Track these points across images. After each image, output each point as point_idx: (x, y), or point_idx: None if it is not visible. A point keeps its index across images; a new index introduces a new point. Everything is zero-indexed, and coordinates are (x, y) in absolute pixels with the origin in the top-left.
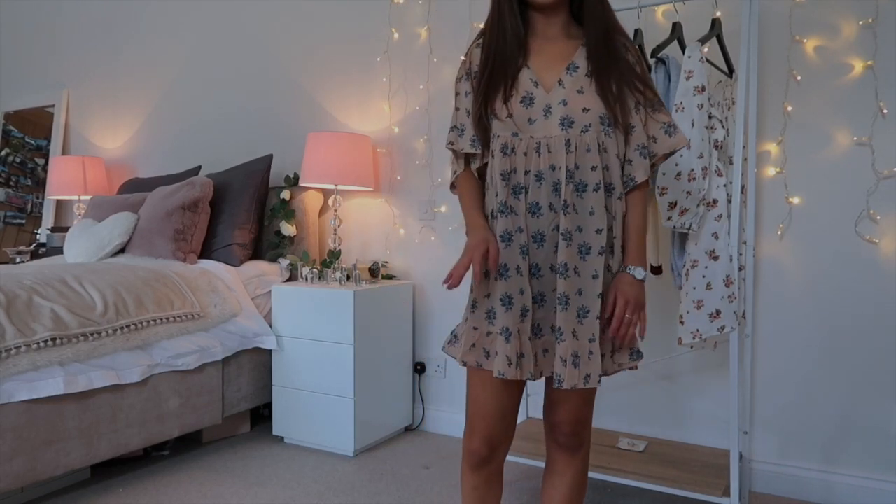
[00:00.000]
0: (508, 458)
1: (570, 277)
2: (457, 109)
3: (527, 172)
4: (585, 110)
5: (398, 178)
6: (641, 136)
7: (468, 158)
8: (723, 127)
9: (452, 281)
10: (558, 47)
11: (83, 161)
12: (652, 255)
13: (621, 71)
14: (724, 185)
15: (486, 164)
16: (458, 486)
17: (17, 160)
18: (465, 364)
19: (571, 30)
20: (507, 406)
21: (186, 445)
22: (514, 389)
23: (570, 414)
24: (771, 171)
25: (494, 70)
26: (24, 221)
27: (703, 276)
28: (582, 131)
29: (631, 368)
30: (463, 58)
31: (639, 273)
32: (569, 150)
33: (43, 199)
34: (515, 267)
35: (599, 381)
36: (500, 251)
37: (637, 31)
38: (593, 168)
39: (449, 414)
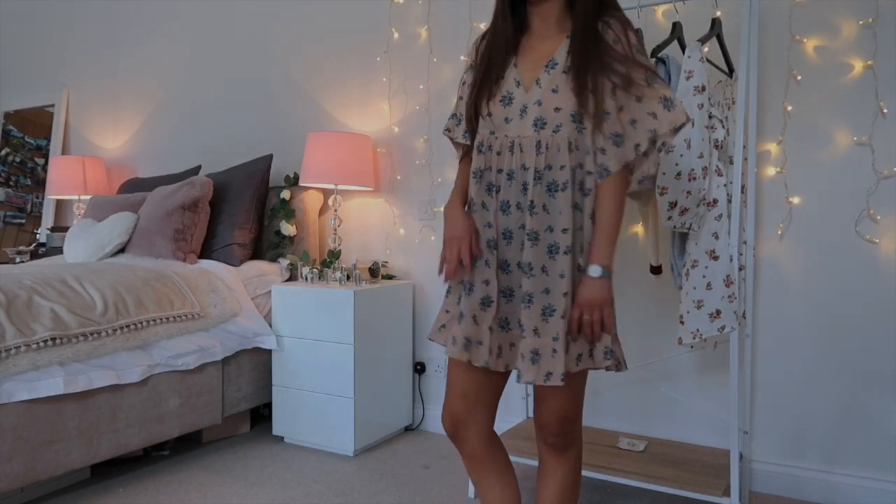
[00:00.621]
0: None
1: (535, 276)
2: (460, 98)
3: (500, 171)
4: (557, 110)
5: (398, 177)
6: (615, 124)
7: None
8: (723, 127)
9: (448, 276)
10: (547, 44)
11: (83, 161)
12: (652, 255)
13: (597, 56)
14: (725, 185)
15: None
16: (457, 485)
17: (17, 160)
18: (431, 339)
19: (565, 24)
20: (468, 387)
21: (186, 445)
22: (479, 374)
23: (554, 412)
24: (771, 170)
25: (487, 69)
26: (23, 221)
27: (704, 276)
28: (553, 131)
29: (607, 369)
30: (469, 52)
31: (594, 271)
32: (539, 152)
33: (43, 198)
34: (485, 260)
35: (563, 380)
36: (472, 246)
37: (637, 31)
38: (562, 168)
39: None
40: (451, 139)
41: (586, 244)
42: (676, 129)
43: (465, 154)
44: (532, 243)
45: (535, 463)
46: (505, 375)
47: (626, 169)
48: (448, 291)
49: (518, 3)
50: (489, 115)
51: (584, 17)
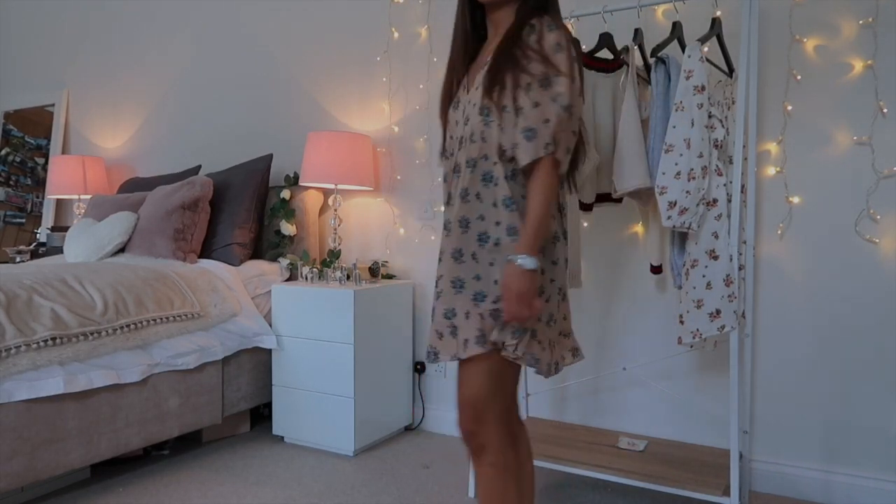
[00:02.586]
0: None
1: (465, 262)
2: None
3: (454, 170)
4: (473, 104)
5: (398, 177)
6: (530, 118)
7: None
8: (723, 126)
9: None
10: (494, 47)
11: (83, 160)
12: (652, 254)
13: (513, 53)
14: (724, 185)
15: None
16: (457, 485)
17: (17, 159)
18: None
19: None
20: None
21: (186, 445)
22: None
23: (461, 401)
24: (771, 170)
25: (449, 77)
26: (24, 221)
27: (703, 276)
28: (465, 124)
29: (506, 354)
30: None
31: (526, 262)
32: (461, 145)
33: (43, 198)
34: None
35: (480, 345)
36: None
37: (637, 31)
38: (485, 158)
39: (449, 413)
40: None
41: (492, 234)
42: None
43: None
44: (459, 229)
45: (537, 463)
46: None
47: (550, 162)
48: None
49: (476, 13)
50: (446, 120)
51: (518, 22)
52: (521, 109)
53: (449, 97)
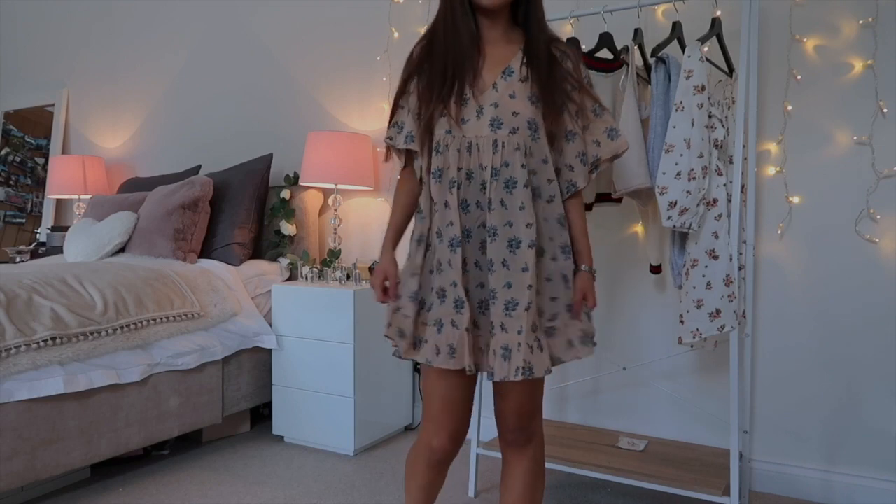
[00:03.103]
0: None
1: (496, 272)
2: (400, 107)
3: (459, 169)
4: (515, 114)
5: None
6: (581, 143)
7: (410, 154)
8: (723, 126)
9: (385, 298)
10: (499, 51)
11: (83, 160)
12: (652, 254)
13: (559, 79)
14: (724, 185)
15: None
16: (457, 485)
17: (17, 159)
18: (405, 358)
19: (512, 35)
20: (453, 396)
21: (186, 445)
22: (459, 380)
23: (512, 407)
24: (771, 170)
25: (454, 74)
26: (24, 221)
27: (704, 276)
28: (510, 132)
29: (578, 357)
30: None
31: (588, 271)
32: (495, 150)
33: (43, 198)
34: (447, 261)
35: (531, 374)
36: (398, 283)
37: (637, 31)
38: (523, 166)
39: None
40: (394, 146)
41: (548, 244)
42: (617, 156)
43: (409, 164)
44: (491, 239)
45: None
46: (475, 377)
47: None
48: (397, 309)
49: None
50: (445, 114)
51: (539, 33)
52: (575, 135)
53: (448, 91)
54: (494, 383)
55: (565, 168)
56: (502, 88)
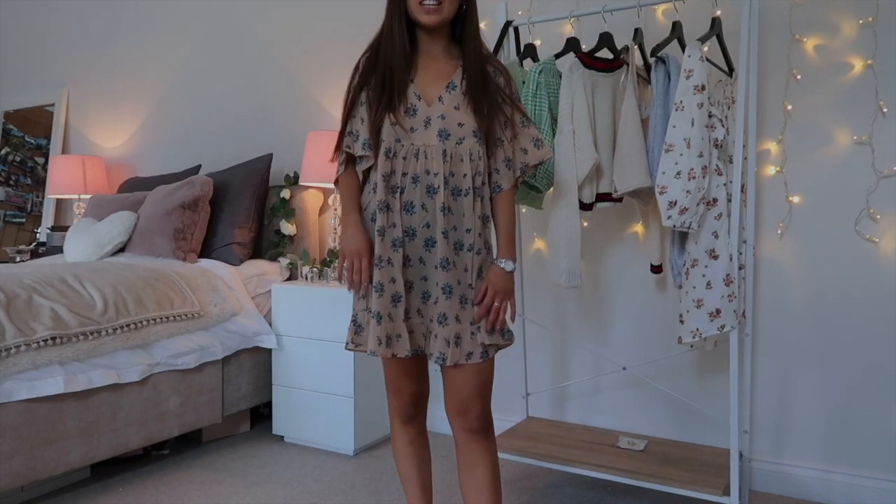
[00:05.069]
0: (509, 456)
1: (450, 270)
2: (353, 116)
3: (404, 174)
4: (460, 125)
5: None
6: (508, 149)
7: (353, 159)
8: (723, 126)
9: (354, 287)
10: (440, 65)
11: (83, 160)
12: (652, 254)
13: (492, 93)
14: (724, 184)
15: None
16: (457, 484)
17: (17, 159)
18: (349, 350)
19: (452, 50)
20: (412, 372)
21: (186, 444)
22: (406, 364)
23: (475, 395)
24: (771, 170)
25: (391, 85)
26: (24, 220)
27: (704, 276)
28: (457, 143)
29: (504, 346)
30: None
31: (508, 265)
32: (445, 160)
33: (43, 198)
34: (388, 259)
35: (483, 358)
36: (371, 262)
37: (637, 31)
38: (465, 175)
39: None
40: (351, 153)
41: (481, 243)
42: (542, 163)
43: (350, 164)
44: (446, 240)
45: (536, 462)
46: (424, 358)
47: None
48: (359, 298)
49: (407, 23)
50: (395, 123)
51: (474, 52)
52: (502, 142)
53: (394, 102)
54: (448, 376)
55: (493, 171)
56: (447, 101)
